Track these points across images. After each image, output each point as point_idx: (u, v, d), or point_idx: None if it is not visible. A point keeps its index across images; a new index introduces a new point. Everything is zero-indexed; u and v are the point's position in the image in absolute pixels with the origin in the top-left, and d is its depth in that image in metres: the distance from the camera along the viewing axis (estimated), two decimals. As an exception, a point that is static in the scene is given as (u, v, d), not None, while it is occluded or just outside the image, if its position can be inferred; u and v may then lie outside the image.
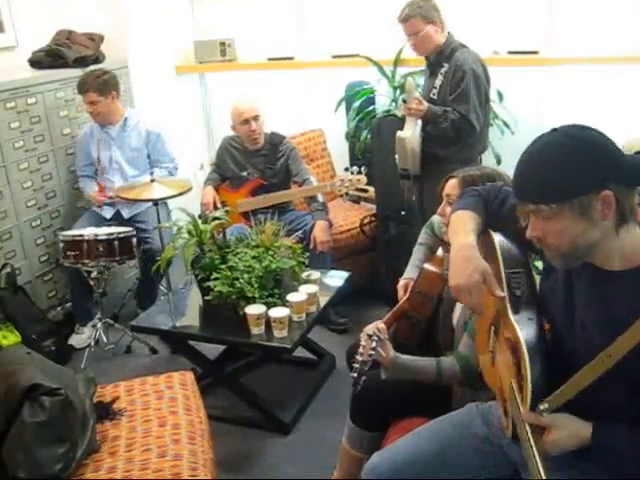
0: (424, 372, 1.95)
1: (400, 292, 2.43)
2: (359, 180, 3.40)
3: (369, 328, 1.95)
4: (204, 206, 3.66)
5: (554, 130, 1.33)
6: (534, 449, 1.30)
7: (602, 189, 1.25)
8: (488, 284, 1.44)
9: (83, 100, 3.60)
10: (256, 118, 3.60)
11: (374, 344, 1.90)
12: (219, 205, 3.65)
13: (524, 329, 1.39)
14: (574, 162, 1.26)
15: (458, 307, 2.08)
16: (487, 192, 1.65)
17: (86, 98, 3.56)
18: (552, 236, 1.32)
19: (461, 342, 1.97)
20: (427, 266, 2.30)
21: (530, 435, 1.32)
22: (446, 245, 2.26)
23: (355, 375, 1.87)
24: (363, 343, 1.92)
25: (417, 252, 2.56)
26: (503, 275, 1.48)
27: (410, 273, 2.49)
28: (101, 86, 3.53)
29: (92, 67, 3.94)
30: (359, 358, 1.89)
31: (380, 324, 1.98)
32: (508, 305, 1.45)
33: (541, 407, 1.32)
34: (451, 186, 2.11)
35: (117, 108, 3.67)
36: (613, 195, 1.26)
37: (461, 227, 1.56)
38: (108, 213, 3.71)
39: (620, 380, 1.29)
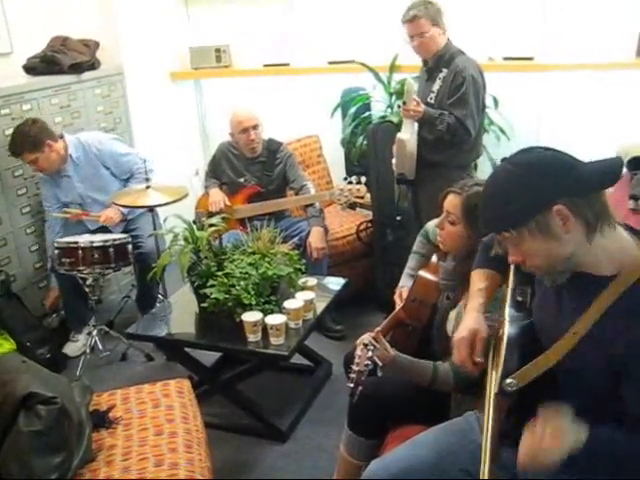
0: (420, 373, 1.96)
1: (397, 301, 2.42)
2: (359, 190, 3.40)
3: (364, 338, 1.95)
4: (213, 204, 3.63)
5: (503, 159, 1.41)
6: (487, 442, 1.32)
7: (552, 205, 1.29)
8: (475, 340, 1.57)
9: (23, 161, 3.41)
10: (255, 127, 3.60)
11: (370, 353, 1.89)
12: (228, 203, 3.65)
13: (513, 322, 1.50)
14: (516, 188, 1.34)
15: (452, 316, 2.08)
16: (490, 238, 1.77)
17: (25, 159, 3.36)
18: (528, 257, 1.39)
19: None
20: (422, 273, 2.30)
21: (491, 419, 1.34)
22: (441, 252, 2.26)
23: (352, 385, 1.87)
24: (359, 353, 1.92)
25: (411, 260, 2.55)
26: (510, 289, 1.61)
27: (404, 282, 2.49)
28: (33, 143, 3.29)
29: (87, 74, 3.96)
30: (355, 368, 1.89)
31: (375, 333, 1.97)
32: (507, 305, 1.56)
33: (507, 381, 1.36)
34: (453, 204, 2.07)
35: (59, 152, 3.44)
36: (566, 208, 1.29)
37: (472, 288, 1.75)
38: (93, 225, 3.62)
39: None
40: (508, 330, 1.47)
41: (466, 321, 1.63)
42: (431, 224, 2.47)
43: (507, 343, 1.43)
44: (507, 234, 1.37)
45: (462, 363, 1.58)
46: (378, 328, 2.06)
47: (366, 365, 1.88)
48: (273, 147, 3.73)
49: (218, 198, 3.66)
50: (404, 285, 2.46)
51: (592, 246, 1.33)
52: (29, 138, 3.30)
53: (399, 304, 2.39)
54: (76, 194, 3.60)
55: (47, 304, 3.66)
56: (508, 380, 1.37)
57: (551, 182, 1.31)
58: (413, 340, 2.25)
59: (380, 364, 1.92)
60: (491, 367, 1.51)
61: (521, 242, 1.36)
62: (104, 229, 3.60)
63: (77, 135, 3.63)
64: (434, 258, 2.33)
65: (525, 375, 1.37)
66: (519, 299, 1.57)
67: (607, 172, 1.33)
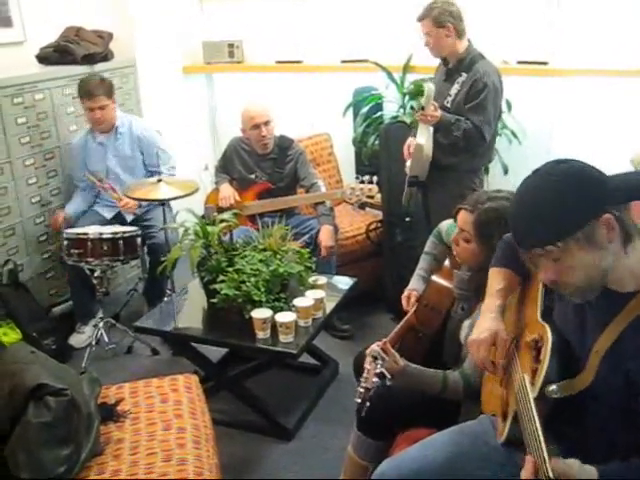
0: (430, 382, 1.95)
1: (404, 302, 2.40)
2: (370, 189, 3.37)
3: (373, 349, 1.93)
4: (223, 200, 3.61)
5: (536, 171, 1.36)
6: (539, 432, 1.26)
7: (602, 214, 1.28)
8: (496, 342, 1.57)
9: (89, 106, 3.44)
10: (267, 123, 3.58)
11: (379, 368, 1.88)
12: (238, 198, 3.63)
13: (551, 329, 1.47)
14: (567, 197, 1.30)
15: (465, 324, 2.05)
16: (511, 235, 1.74)
17: (96, 103, 3.42)
18: (566, 275, 1.34)
19: (467, 359, 1.95)
20: (436, 278, 2.26)
21: (535, 414, 1.30)
22: (454, 260, 2.22)
23: (359, 401, 1.86)
24: (367, 366, 1.90)
25: (422, 262, 2.51)
26: (540, 294, 1.60)
27: (414, 284, 2.45)
28: (108, 90, 3.46)
29: (100, 65, 3.94)
30: (363, 384, 1.88)
31: (383, 344, 1.95)
32: (538, 312, 1.55)
33: (551, 388, 1.35)
34: (465, 221, 2.03)
35: (113, 115, 3.57)
36: (613, 217, 1.28)
37: (490, 288, 1.72)
38: (109, 213, 3.66)
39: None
40: (550, 330, 1.44)
41: (484, 322, 1.60)
42: (444, 224, 2.44)
43: (552, 342, 1.41)
44: (551, 248, 1.30)
45: (482, 364, 1.56)
46: (386, 339, 2.02)
47: (374, 382, 1.87)
48: (285, 144, 3.72)
49: (228, 194, 3.64)
50: (414, 288, 2.42)
51: (626, 257, 1.32)
52: (106, 83, 3.47)
53: (406, 306, 2.38)
54: (104, 165, 3.64)
55: (52, 227, 3.61)
56: (552, 387, 1.35)
57: (597, 190, 1.30)
58: (423, 346, 2.23)
59: (389, 376, 1.89)
60: (520, 369, 1.49)
61: (565, 256, 1.31)
62: (119, 219, 3.61)
63: (126, 113, 3.73)
64: (447, 262, 2.31)
65: (566, 388, 1.36)
66: (551, 306, 1.56)
67: None
